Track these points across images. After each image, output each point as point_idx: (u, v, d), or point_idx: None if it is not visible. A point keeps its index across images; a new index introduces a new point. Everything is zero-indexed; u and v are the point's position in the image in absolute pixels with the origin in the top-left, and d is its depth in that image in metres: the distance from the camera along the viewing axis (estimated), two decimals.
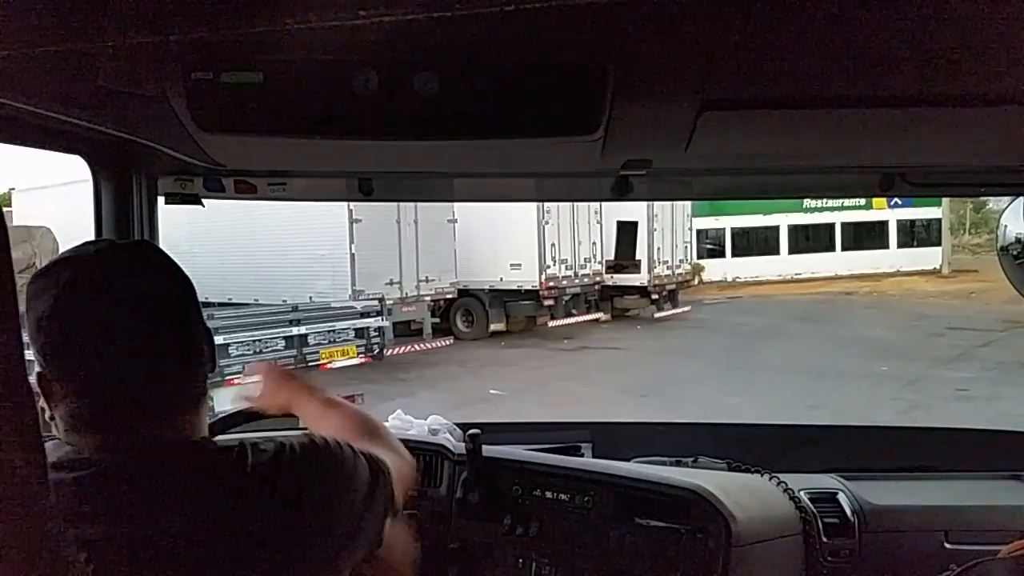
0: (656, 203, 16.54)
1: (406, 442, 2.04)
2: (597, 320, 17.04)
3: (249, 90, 1.06)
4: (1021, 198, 1.80)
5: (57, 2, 0.74)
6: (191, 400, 0.98)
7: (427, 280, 13.76)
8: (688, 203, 18.04)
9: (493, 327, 15.49)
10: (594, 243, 16.76)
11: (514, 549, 1.88)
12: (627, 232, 1.93)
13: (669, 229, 18.23)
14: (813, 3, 0.87)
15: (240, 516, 0.90)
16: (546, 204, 14.52)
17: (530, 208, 14.94)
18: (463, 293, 15.19)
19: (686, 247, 19.18)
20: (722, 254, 25.74)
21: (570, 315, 16.32)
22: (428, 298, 13.93)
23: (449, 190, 2.09)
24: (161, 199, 1.81)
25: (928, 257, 26.21)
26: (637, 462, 2.09)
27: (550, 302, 15.73)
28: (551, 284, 15.62)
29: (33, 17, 0.74)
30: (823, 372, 11.20)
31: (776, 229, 25.65)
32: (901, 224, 26.40)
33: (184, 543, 0.86)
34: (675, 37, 0.97)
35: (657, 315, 17.74)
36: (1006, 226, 1.83)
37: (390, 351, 12.08)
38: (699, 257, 24.00)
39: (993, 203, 34.54)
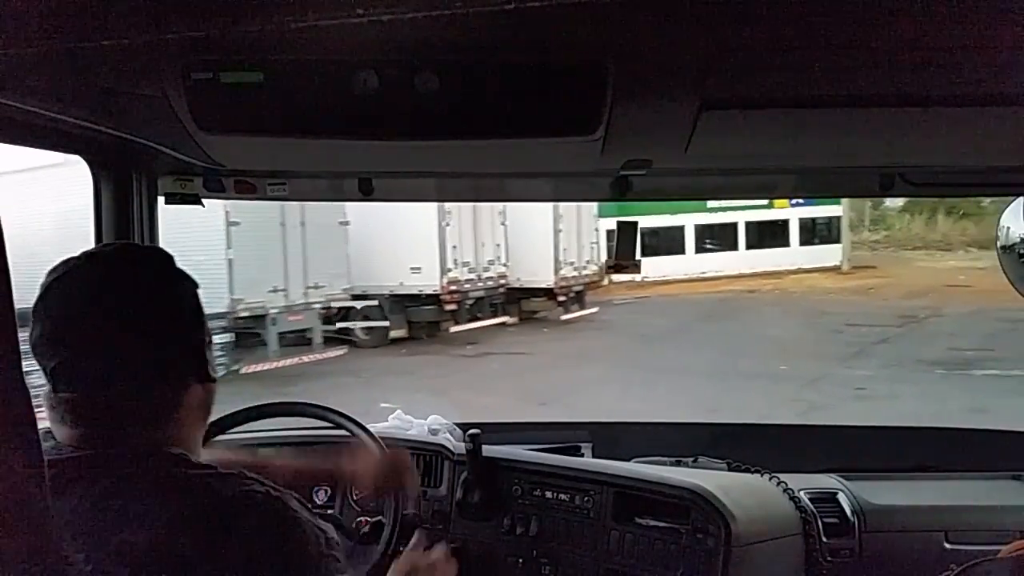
0: (561, 204, 15.97)
1: (406, 442, 2.06)
2: (504, 324, 16.40)
3: (249, 90, 1.06)
4: (1021, 198, 1.80)
5: (57, 2, 0.74)
6: (171, 409, 0.97)
7: (316, 286, 12.86)
8: (594, 204, 17.10)
9: (394, 334, 14.68)
10: (498, 245, 16.05)
11: (514, 549, 1.88)
12: (627, 232, 1.92)
13: (575, 230, 17.56)
14: (813, 3, 0.87)
15: (195, 541, 0.87)
16: (446, 205, 14.06)
17: (429, 209, 14.20)
18: (361, 298, 14.32)
19: (592, 248, 18.56)
20: None
21: (475, 319, 15.63)
22: (318, 305, 12.99)
23: (449, 190, 2.09)
24: (161, 199, 1.81)
25: (829, 254, 26.37)
26: (637, 462, 2.09)
27: (452, 307, 14.93)
28: (453, 288, 14.80)
29: (33, 17, 0.74)
30: (724, 373, 10.93)
31: (682, 229, 25.35)
32: (803, 222, 26.34)
33: (145, 552, 0.85)
34: (675, 37, 0.97)
35: (564, 317, 17.26)
36: (1007, 227, 1.84)
37: (271, 365, 11.34)
38: (608, 256, 23.50)
39: (890, 201, 34.81)
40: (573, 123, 1.11)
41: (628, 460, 2.09)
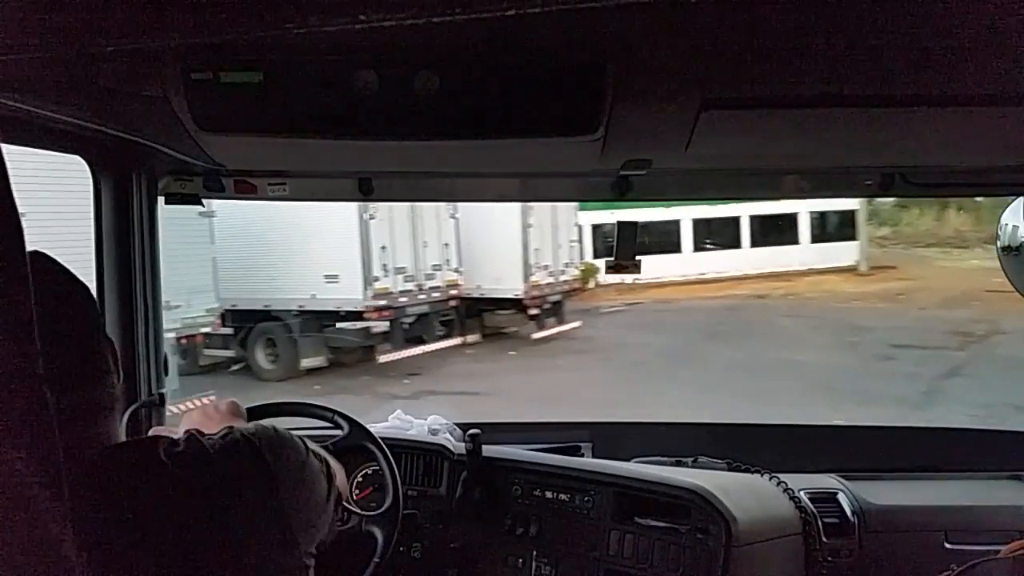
0: None
1: (406, 442, 2.06)
2: (463, 344, 12.89)
3: (249, 90, 1.06)
4: (1021, 198, 1.81)
5: (57, 2, 0.74)
6: (101, 409, 0.95)
7: (168, 307, 8.41)
8: None
9: (307, 362, 11.17)
10: (446, 244, 12.25)
11: (514, 549, 1.88)
12: (627, 231, 1.92)
13: (549, 226, 13.71)
14: (812, 3, 0.87)
15: (177, 506, 0.87)
16: None
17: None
18: (264, 316, 10.98)
19: (572, 247, 14.63)
20: None
21: (418, 342, 12.02)
22: (172, 333, 8.70)
23: (449, 190, 2.10)
24: (161, 199, 1.81)
25: (843, 252, 22.67)
26: (637, 462, 2.09)
27: (382, 326, 11.19)
28: (382, 303, 11.18)
29: (33, 17, 0.74)
30: None
31: (677, 223, 21.84)
32: (813, 217, 22.78)
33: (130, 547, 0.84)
34: (675, 37, 0.97)
35: (537, 335, 13.52)
36: (1008, 226, 1.84)
37: None
38: (595, 256, 19.70)
39: None
40: (573, 123, 1.12)
41: (628, 460, 2.09)
